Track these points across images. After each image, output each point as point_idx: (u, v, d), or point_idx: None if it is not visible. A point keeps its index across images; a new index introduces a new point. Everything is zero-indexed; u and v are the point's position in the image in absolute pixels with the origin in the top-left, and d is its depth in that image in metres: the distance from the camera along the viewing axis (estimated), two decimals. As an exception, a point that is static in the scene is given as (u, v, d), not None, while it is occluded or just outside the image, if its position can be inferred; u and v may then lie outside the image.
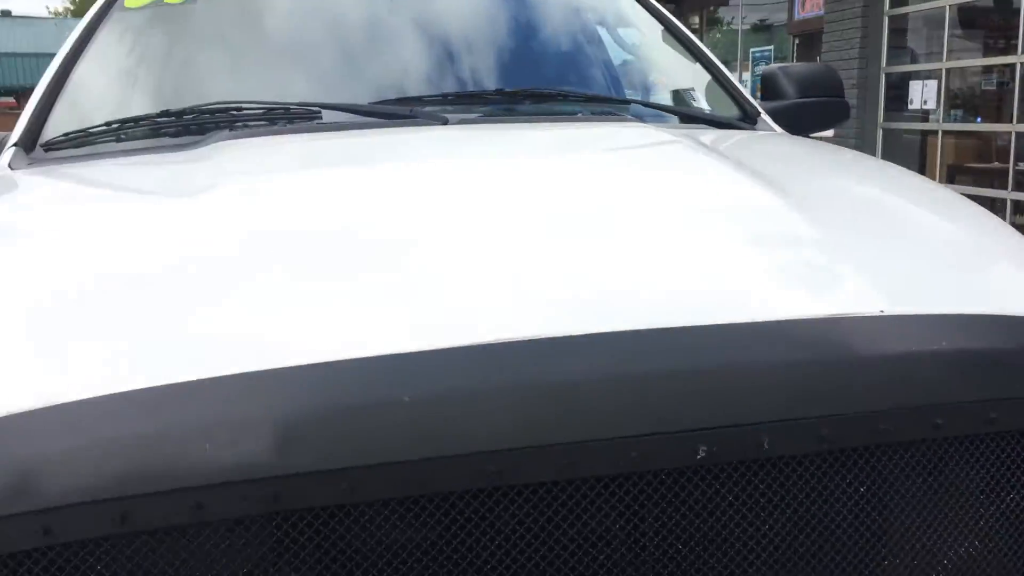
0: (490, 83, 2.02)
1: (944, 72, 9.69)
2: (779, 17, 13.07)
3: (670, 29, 2.55)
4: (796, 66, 2.76)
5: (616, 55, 2.54)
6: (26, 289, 1.04)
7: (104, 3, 2.27)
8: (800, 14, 11.94)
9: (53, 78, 2.07)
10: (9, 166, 1.80)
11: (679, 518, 0.79)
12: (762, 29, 13.92)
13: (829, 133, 10.43)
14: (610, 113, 1.97)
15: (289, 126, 1.79)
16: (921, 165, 10.10)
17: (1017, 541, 0.91)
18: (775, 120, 2.43)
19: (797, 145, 1.97)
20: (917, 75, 10.15)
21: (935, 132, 9.88)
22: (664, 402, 0.78)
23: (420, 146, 1.62)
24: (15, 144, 1.91)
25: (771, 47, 13.15)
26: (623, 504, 0.79)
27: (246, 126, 1.80)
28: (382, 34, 2.17)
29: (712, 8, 15.28)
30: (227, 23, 2.25)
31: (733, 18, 14.48)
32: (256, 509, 0.73)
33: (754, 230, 1.10)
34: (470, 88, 1.99)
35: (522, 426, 0.76)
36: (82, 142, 1.85)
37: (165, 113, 1.87)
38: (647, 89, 2.49)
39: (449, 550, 0.77)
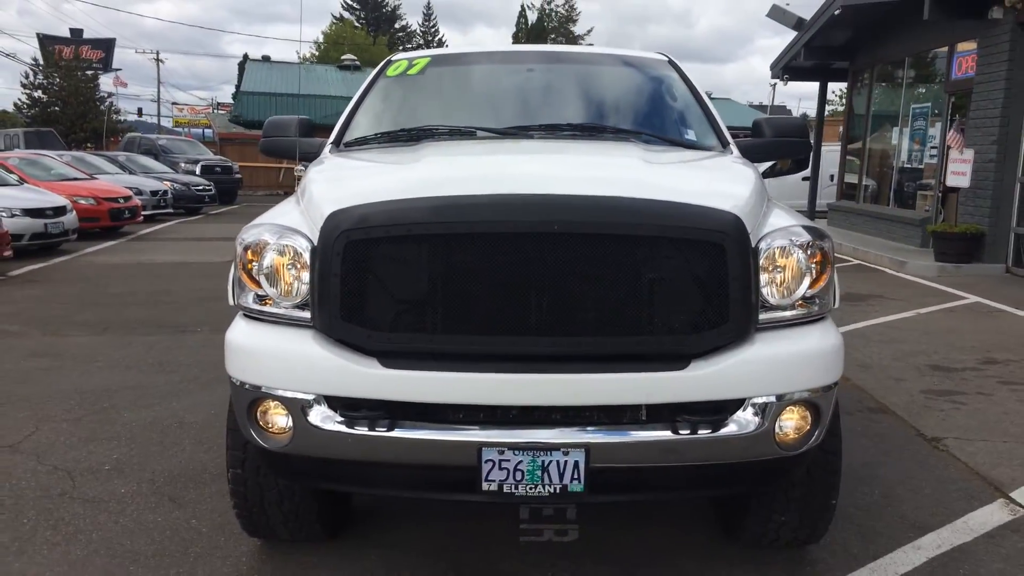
0: (564, 120, 3.94)
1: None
2: (939, 77, 13.83)
3: (691, 90, 4.26)
4: (776, 117, 4.36)
5: (655, 105, 4.28)
6: (352, 180, 3.10)
7: (376, 73, 4.38)
8: (956, 75, 12.73)
9: (349, 112, 4.15)
10: (328, 152, 3.86)
11: (547, 248, 2.53)
12: (923, 88, 14.65)
13: (966, 183, 11.17)
14: (624, 138, 3.72)
15: (460, 137, 3.72)
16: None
17: (668, 286, 2.57)
18: (752, 151, 4.05)
19: (715, 159, 3.62)
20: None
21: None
22: (545, 213, 2.55)
23: (515, 145, 3.57)
24: (332, 143, 3.96)
25: (929, 104, 13.91)
26: (537, 244, 2.53)
27: (440, 137, 3.73)
28: (510, 95, 4.26)
29: (879, 68, 16.12)
30: (434, 87, 4.40)
31: (899, 77, 15.28)
32: (436, 230, 2.56)
33: (616, 174, 2.90)
34: (552, 123, 3.88)
35: (511, 216, 2.55)
36: (361, 143, 3.87)
37: (402, 130, 3.87)
38: (670, 125, 4.19)
39: (487, 256, 2.54)
